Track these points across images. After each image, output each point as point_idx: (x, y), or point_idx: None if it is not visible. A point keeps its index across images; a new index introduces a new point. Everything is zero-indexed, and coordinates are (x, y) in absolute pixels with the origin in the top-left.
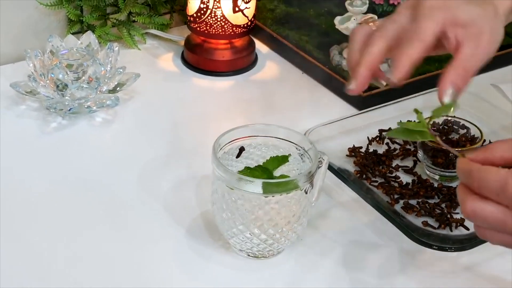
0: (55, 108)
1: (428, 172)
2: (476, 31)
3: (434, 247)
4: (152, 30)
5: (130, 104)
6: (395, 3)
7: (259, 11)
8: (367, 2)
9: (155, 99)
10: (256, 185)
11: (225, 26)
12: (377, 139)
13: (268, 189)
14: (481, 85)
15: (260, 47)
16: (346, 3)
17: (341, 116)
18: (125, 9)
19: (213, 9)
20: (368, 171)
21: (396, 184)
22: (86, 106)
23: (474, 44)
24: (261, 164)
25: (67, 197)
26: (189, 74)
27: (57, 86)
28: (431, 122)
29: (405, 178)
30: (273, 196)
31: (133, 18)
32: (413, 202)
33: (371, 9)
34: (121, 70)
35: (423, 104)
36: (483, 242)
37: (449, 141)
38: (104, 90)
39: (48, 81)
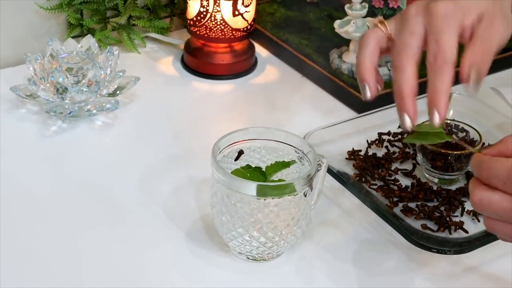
0: (55, 111)
1: (427, 175)
2: (488, 17)
3: (433, 250)
4: (152, 33)
5: (130, 107)
6: (395, 6)
7: (259, 15)
8: (367, 5)
9: (155, 102)
10: (251, 188)
11: (225, 29)
12: (376, 142)
13: (262, 192)
14: (481, 88)
15: (260, 50)
16: (346, 7)
17: (340, 119)
18: (125, 13)
19: (213, 13)
20: (367, 174)
21: (395, 187)
22: (86, 110)
23: (487, 27)
24: (263, 167)
25: (67, 200)
26: (189, 77)
27: (57, 90)
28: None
29: (404, 181)
30: (272, 199)
31: (133, 22)
32: (412, 205)
33: (371, 12)
34: (121, 74)
35: (423, 107)
36: (482, 244)
37: (448, 144)
38: (104, 93)
39: (48, 85)
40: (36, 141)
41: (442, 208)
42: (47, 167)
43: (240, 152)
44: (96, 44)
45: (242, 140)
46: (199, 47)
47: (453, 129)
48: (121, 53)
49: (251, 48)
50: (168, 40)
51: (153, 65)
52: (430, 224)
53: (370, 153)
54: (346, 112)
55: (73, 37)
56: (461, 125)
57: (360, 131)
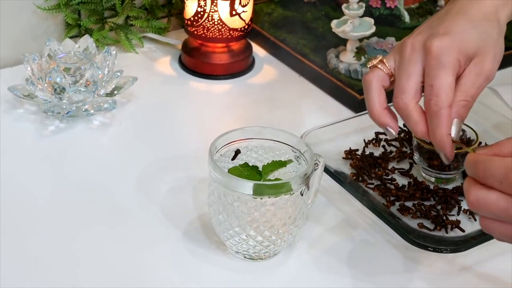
0: (53, 111)
1: (424, 175)
2: (480, 59)
3: (430, 248)
4: (150, 33)
5: (128, 107)
6: (392, 6)
7: (256, 15)
8: (364, 5)
9: (153, 102)
10: (247, 187)
11: (222, 29)
12: (374, 141)
13: (259, 191)
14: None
15: (257, 50)
16: (343, 7)
17: (337, 119)
18: (122, 13)
19: (210, 13)
20: (364, 173)
21: (392, 187)
22: (83, 110)
23: (476, 72)
24: (260, 166)
25: (65, 200)
26: (186, 77)
27: (55, 90)
28: None
29: (401, 181)
30: (269, 198)
31: (131, 22)
32: (409, 204)
33: (368, 12)
34: (118, 74)
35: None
36: (478, 243)
37: None
38: (101, 93)
39: (46, 85)
40: (34, 141)
41: (439, 207)
42: (45, 167)
43: (237, 152)
44: (94, 44)
45: (239, 140)
46: (196, 47)
47: None
48: (119, 53)
49: (249, 48)
50: (165, 40)
51: (151, 65)
52: (427, 223)
53: (367, 152)
54: (343, 111)
55: (70, 37)
56: None
57: (357, 131)
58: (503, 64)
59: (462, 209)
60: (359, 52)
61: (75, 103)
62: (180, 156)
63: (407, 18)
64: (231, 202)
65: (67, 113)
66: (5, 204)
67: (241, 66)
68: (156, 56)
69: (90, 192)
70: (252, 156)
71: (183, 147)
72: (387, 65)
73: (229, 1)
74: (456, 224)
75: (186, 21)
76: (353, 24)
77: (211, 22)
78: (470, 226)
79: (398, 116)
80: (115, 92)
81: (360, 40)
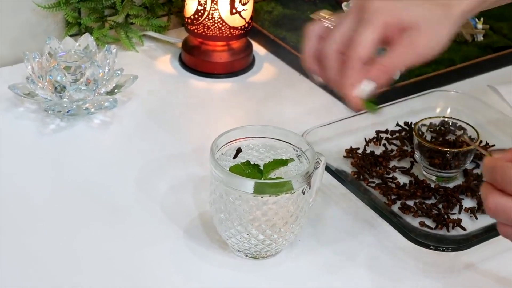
0: (53, 110)
1: (425, 173)
2: (414, 33)
3: (431, 247)
4: (150, 32)
5: (128, 106)
6: None
7: (256, 13)
8: None
9: (153, 101)
10: (249, 185)
11: (223, 28)
12: (374, 140)
13: (260, 190)
14: (478, 86)
15: (258, 49)
16: (343, 5)
17: (338, 117)
18: (122, 11)
19: (211, 11)
20: (365, 172)
21: (393, 185)
22: (84, 108)
23: (405, 43)
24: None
25: (65, 198)
26: (186, 76)
27: (55, 88)
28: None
29: (402, 179)
30: (269, 196)
31: (131, 20)
32: (410, 202)
33: None
34: (119, 72)
35: (420, 105)
36: (479, 242)
37: (446, 142)
38: (102, 92)
39: (46, 83)
40: (35, 140)
41: (440, 206)
42: (45, 165)
43: (238, 150)
44: (94, 43)
45: (240, 138)
46: (196, 45)
47: (451, 127)
48: (119, 51)
49: (249, 46)
50: (166, 39)
51: (151, 63)
52: (428, 222)
53: (368, 151)
54: (344, 110)
55: (71, 36)
56: (459, 123)
57: (358, 129)
58: (503, 63)
59: (464, 207)
60: None
61: (75, 102)
62: (180, 155)
63: None
64: (232, 200)
65: (67, 112)
66: (5, 202)
67: (241, 64)
68: (157, 54)
69: (91, 190)
70: (253, 154)
71: (184, 145)
72: (331, 19)
73: (229, 0)
74: (458, 223)
75: (186, 20)
76: None
77: (211, 21)
78: (471, 225)
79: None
80: (116, 90)
81: None
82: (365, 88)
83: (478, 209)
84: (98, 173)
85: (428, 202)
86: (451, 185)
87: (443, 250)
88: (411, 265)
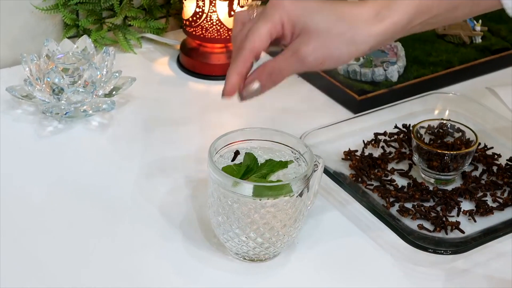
0: (51, 112)
1: (423, 175)
2: (303, 39)
3: (430, 250)
4: (148, 34)
5: (126, 108)
6: None
7: None
8: None
9: (151, 103)
10: (247, 188)
11: (221, 30)
12: (373, 142)
13: (258, 193)
14: (476, 88)
15: None
16: None
17: (336, 120)
18: (120, 13)
19: (209, 13)
20: (363, 174)
21: (391, 188)
22: (82, 110)
23: (292, 48)
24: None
25: (63, 201)
26: (185, 78)
27: (53, 90)
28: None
29: (401, 182)
30: (268, 199)
31: (129, 22)
32: (408, 205)
33: None
34: (117, 74)
35: (418, 107)
36: (478, 245)
37: (444, 144)
38: (100, 94)
39: (44, 85)
40: (32, 142)
41: (439, 208)
42: (43, 167)
43: (236, 153)
44: (92, 45)
45: (239, 141)
46: (195, 47)
47: (449, 129)
48: (117, 53)
49: None
50: (164, 41)
51: (149, 65)
52: (427, 224)
53: (367, 153)
54: (342, 112)
55: (69, 38)
56: (457, 125)
57: (356, 131)
58: (502, 65)
59: (462, 210)
60: None
61: (73, 104)
62: (179, 157)
63: None
64: (230, 203)
65: (65, 114)
66: (4, 204)
67: None
68: (155, 56)
69: (89, 192)
70: None
71: (182, 148)
72: (255, 12)
73: (227, 2)
74: (456, 225)
75: (184, 22)
76: None
77: (209, 23)
78: (470, 227)
79: None
80: (114, 92)
81: None
82: (251, 87)
83: (477, 212)
84: (96, 176)
85: (427, 204)
86: (449, 187)
87: (442, 253)
88: (409, 268)
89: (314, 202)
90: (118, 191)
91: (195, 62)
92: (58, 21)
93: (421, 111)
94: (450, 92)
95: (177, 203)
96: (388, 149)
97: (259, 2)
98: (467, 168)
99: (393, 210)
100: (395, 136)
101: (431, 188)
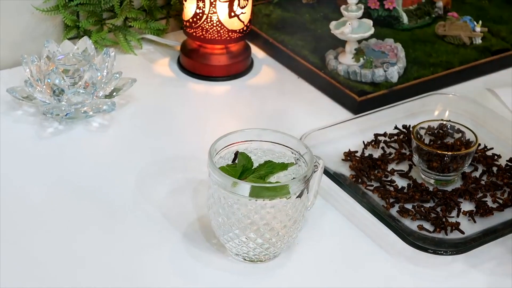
0: (52, 113)
1: (423, 176)
2: None
3: (430, 250)
4: (148, 35)
5: (127, 109)
6: (390, 7)
7: (255, 16)
8: (362, 6)
9: (151, 104)
10: (245, 189)
11: (221, 31)
12: (373, 143)
13: (255, 193)
14: (476, 89)
15: (256, 52)
16: (342, 8)
17: (336, 121)
18: (121, 15)
19: (209, 15)
20: (363, 175)
21: (391, 188)
22: (82, 111)
23: None
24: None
25: (64, 201)
26: (185, 79)
27: (54, 91)
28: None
29: (401, 182)
30: (263, 200)
31: (129, 24)
32: (408, 206)
33: (367, 14)
34: (117, 75)
35: (418, 108)
36: (478, 245)
37: (444, 145)
38: (100, 95)
39: (44, 87)
40: (33, 143)
41: (439, 209)
42: (43, 168)
43: (237, 154)
44: (93, 46)
45: (239, 142)
46: (195, 48)
47: (449, 130)
48: (118, 54)
49: (247, 50)
50: (164, 42)
51: (150, 66)
52: (427, 225)
53: (367, 154)
54: (342, 113)
55: (69, 39)
56: (457, 126)
57: (356, 132)
58: (501, 66)
59: (462, 211)
60: (358, 53)
61: (74, 105)
62: (179, 158)
63: (405, 19)
64: (230, 204)
65: (66, 115)
66: (4, 205)
67: (240, 67)
68: (155, 57)
69: (89, 193)
70: (251, 158)
71: (182, 148)
72: None
73: (227, 3)
74: (456, 226)
75: (184, 23)
76: (352, 26)
77: (209, 24)
78: (470, 228)
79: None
80: (114, 93)
81: (359, 41)
82: None
83: (477, 213)
84: (96, 176)
85: (427, 205)
86: (449, 188)
87: (442, 254)
88: (409, 268)
89: (314, 203)
90: (118, 192)
91: (195, 63)
92: (59, 22)
93: (421, 112)
94: (450, 93)
95: (177, 204)
96: (388, 150)
97: None
98: (467, 169)
99: (393, 211)
100: (395, 137)
101: (431, 189)
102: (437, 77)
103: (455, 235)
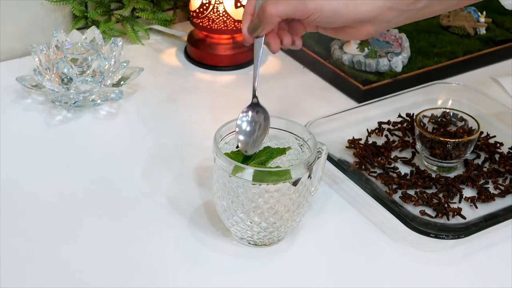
0: (60, 101)
1: (426, 163)
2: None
3: (431, 235)
4: (156, 25)
5: (134, 97)
6: None
7: None
8: None
9: (159, 93)
10: (248, 173)
11: (227, 21)
12: (376, 131)
13: (258, 178)
14: (480, 79)
15: None
16: None
17: (341, 109)
18: (129, 5)
19: (216, 5)
20: (367, 162)
21: (394, 175)
22: (90, 100)
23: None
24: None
25: (71, 189)
26: (192, 68)
27: (62, 80)
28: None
29: (404, 169)
30: (267, 185)
31: (137, 14)
32: (411, 192)
33: None
34: (125, 64)
35: (421, 97)
36: (479, 230)
37: (447, 133)
38: (108, 83)
39: (53, 75)
40: (42, 131)
41: (441, 195)
42: (52, 156)
43: None
44: (101, 36)
45: None
46: (202, 38)
47: (452, 118)
48: (125, 45)
49: None
50: (171, 32)
51: (157, 56)
52: (429, 211)
53: (370, 141)
54: (346, 101)
55: (78, 29)
56: (460, 114)
57: (361, 120)
58: (505, 55)
59: (464, 197)
60: (363, 43)
61: (82, 93)
62: (185, 145)
63: None
64: (235, 188)
65: (74, 103)
66: (13, 193)
67: (246, 57)
68: (162, 47)
69: (97, 181)
70: None
71: (189, 136)
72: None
73: None
74: (458, 212)
75: (191, 13)
76: None
77: (216, 14)
78: (471, 214)
79: None
80: (122, 82)
81: None
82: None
83: (478, 199)
84: (104, 164)
85: (429, 191)
86: (451, 175)
87: (443, 238)
88: (411, 252)
89: (318, 188)
90: (126, 179)
91: (202, 53)
92: (67, 12)
93: (425, 101)
94: (453, 82)
95: (183, 190)
96: (391, 138)
97: None
98: (469, 156)
99: (396, 197)
100: (399, 125)
101: (433, 175)
102: (441, 67)
103: (456, 220)
